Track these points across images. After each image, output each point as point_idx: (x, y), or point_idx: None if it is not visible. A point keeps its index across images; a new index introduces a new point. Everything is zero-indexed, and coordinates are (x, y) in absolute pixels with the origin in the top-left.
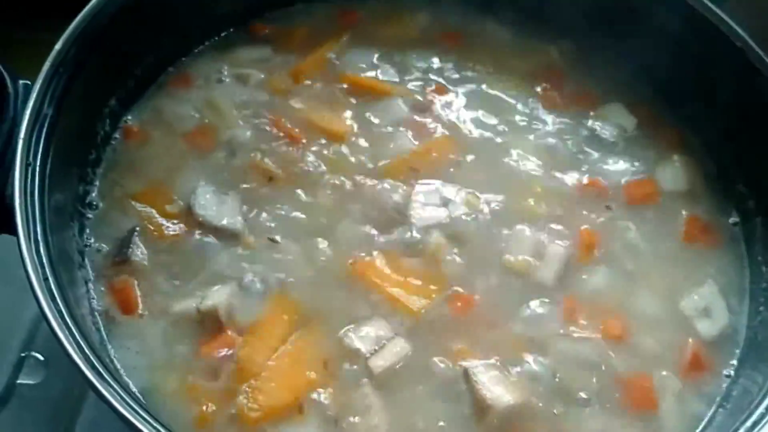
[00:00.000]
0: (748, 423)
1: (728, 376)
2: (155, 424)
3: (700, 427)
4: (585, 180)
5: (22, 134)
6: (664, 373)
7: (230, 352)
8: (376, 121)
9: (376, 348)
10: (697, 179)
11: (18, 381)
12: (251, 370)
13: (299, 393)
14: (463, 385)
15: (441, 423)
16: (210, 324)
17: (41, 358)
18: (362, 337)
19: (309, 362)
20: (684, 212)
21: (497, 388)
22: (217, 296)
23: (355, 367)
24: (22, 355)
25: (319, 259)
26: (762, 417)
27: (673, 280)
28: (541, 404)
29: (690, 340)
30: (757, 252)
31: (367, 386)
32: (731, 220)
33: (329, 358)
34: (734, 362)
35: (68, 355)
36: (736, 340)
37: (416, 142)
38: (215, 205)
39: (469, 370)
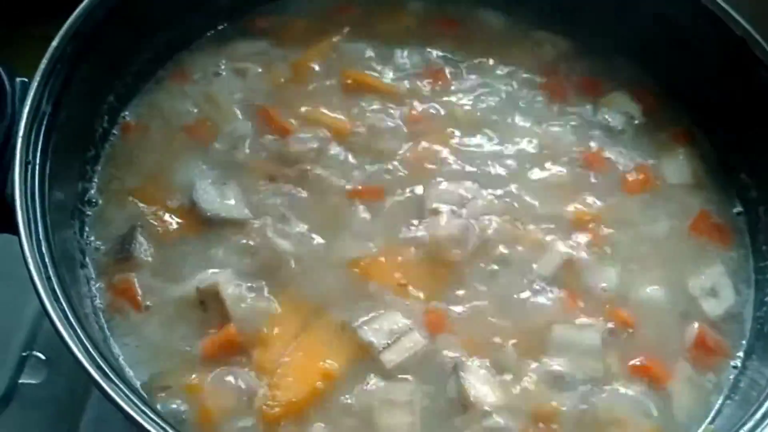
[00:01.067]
0: (758, 415)
1: (735, 367)
2: (160, 422)
3: (710, 417)
4: (591, 169)
5: (21, 132)
6: (672, 358)
7: (239, 347)
8: (376, 115)
9: (389, 342)
10: (700, 170)
11: (20, 381)
12: (266, 368)
13: (316, 385)
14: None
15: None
16: (214, 313)
17: (43, 357)
18: (376, 330)
19: (323, 355)
20: (690, 204)
21: (484, 387)
22: (219, 276)
23: (368, 360)
24: (24, 354)
25: (327, 253)
26: None
27: (678, 268)
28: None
29: (696, 323)
30: (761, 241)
31: (379, 380)
32: (735, 210)
33: (343, 351)
34: (741, 354)
35: (73, 355)
36: (742, 330)
37: (417, 136)
38: (218, 198)
39: (458, 366)
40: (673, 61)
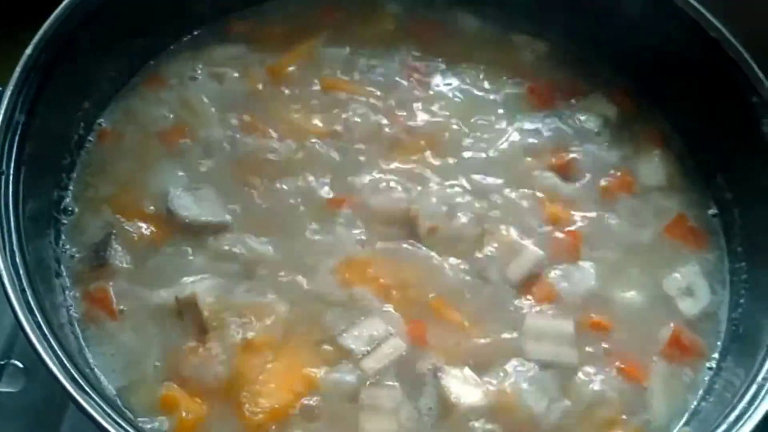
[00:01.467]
0: (731, 417)
1: (711, 368)
2: None
3: (685, 417)
4: (567, 171)
5: None
6: (649, 356)
7: (217, 355)
8: (355, 119)
9: (369, 349)
10: (675, 172)
11: None
12: (248, 375)
13: (298, 393)
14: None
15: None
16: (191, 322)
17: (21, 365)
18: (355, 336)
19: (305, 362)
20: (665, 206)
21: (465, 389)
22: (198, 286)
23: (348, 367)
24: (2, 363)
25: (308, 260)
26: (744, 411)
27: (654, 268)
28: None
29: (672, 323)
30: (736, 243)
31: (361, 386)
32: (710, 211)
33: (324, 358)
34: (716, 355)
35: (47, 368)
36: (718, 332)
37: (396, 140)
38: (194, 204)
39: (437, 371)
40: (648, 63)
